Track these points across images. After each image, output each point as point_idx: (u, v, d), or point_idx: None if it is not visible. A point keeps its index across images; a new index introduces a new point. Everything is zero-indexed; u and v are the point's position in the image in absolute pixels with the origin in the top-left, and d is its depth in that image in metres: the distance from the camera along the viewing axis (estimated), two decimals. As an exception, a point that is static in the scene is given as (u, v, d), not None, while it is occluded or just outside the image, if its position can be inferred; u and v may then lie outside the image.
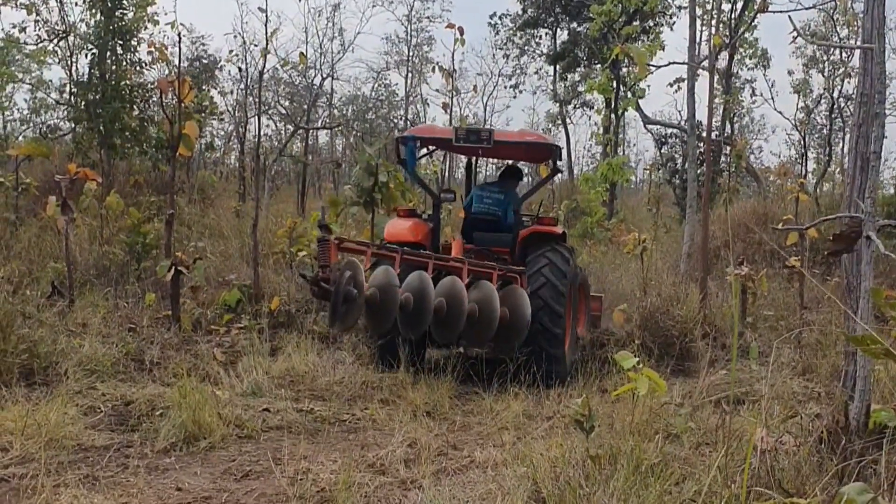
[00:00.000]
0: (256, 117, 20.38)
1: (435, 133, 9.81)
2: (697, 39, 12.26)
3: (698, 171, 13.37)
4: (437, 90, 36.22)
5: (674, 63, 18.99)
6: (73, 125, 18.76)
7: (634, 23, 21.65)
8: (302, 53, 18.15)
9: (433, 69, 26.56)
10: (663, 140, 26.54)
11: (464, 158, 11.67)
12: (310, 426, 6.47)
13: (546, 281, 8.37)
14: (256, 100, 21.35)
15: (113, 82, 16.43)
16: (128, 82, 16.80)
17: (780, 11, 19.17)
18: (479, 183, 10.81)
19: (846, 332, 4.79)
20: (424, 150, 10.79)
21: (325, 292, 6.86)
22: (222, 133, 30.32)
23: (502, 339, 7.90)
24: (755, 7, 16.45)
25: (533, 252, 8.70)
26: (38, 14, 18.74)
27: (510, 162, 12.07)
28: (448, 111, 21.47)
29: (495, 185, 10.06)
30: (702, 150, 13.75)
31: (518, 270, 8.30)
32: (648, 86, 37.94)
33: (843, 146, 24.62)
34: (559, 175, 15.77)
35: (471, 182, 10.86)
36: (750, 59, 27.58)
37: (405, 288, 7.33)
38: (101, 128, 16.05)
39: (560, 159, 9.85)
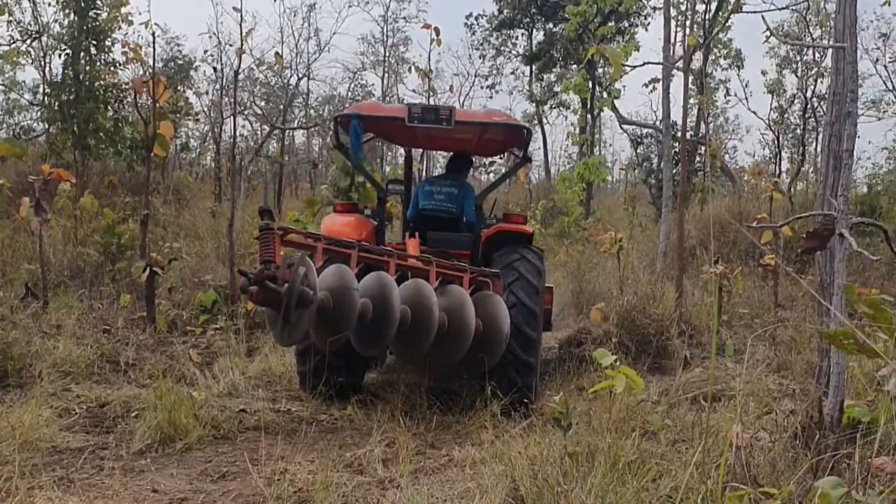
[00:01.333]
0: (232, 118, 20.29)
1: (382, 111, 8.00)
2: (672, 40, 12.32)
3: (673, 171, 13.45)
4: (413, 90, 36.27)
5: (649, 63, 18.98)
6: (46, 126, 18.62)
7: (609, 23, 21.75)
8: (277, 53, 18.06)
9: (409, 69, 26.59)
10: (639, 140, 26.67)
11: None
12: (287, 427, 6.45)
13: (516, 301, 7.18)
14: (232, 100, 21.26)
15: (87, 83, 16.32)
16: (102, 83, 16.70)
17: (754, 12, 19.38)
18: (429, 177, 9.14)
19: (820, 328, 4.84)
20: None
21: (271, 295, 5.42)
22: (198, 134, 30.20)
23: (474, 357, 6.56)
24: (729, 8, 16.58)
25: (499, 256, 7.54)
26: (10, 14, 18.58)
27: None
28: (424, 111, 21.41)
29: (445, 178, 8.60)
30: (677, 149, 13.83)
31: (492, 273, 7.06)
32: (624, 86, 38.19)
33: (816, 146, 24.81)
34: (531, 170, 15.09)
35: (411, 179, 9.54)
36: (724, 59, 27.75)
37: (363, 292, 5.98)
38: (76, 128, 15.94)
39: (529, 147, 8.37)
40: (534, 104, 35.50)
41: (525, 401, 6.95)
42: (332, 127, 8.72)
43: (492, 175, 32.96)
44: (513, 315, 6.92)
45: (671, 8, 13.03)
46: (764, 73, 28.79)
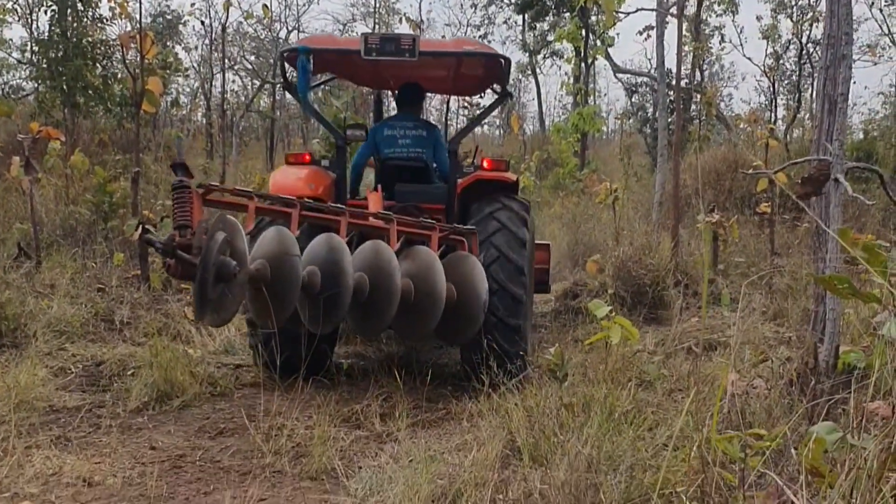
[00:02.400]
0: (222, 73, 20.13)
1: (336, 44, 7.06)
2: (666, -14, 12.16)
3: (669, 120, 13.36)
4: (405, 42, 35.78)
5: (642, 10, 18.74)
6: (35, 84, 18.46)
7: (603, -30, 21.44)
8: (265, 6, 17.93)
9: (400, 20, 26.32)
10: (634, 89, 26.48)
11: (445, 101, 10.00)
12: (283, 383, 6.46)
13: (499, 255, 6.32)
14: (221, 55, 21.07)
15: (74, 39, 16.13)
16: (89, 39, 16.51)
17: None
18: (384, 119, 7.96)
19: (815, 273, 4.82)
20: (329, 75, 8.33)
21: (186, 266, 4.52)
22: (188, 90, 29.94)
23: (448, 328, 5.79)
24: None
25: (477, 207, 6.66)
26: (-6, -29, 18.32)
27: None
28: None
29: (407, 118, 7.42)
30: (672, 98, 13.73)
31: (466, 230, 6.18)
32: (618, 34, 37.90)
33: (812, 92, 24.67)
34: (525, 121, 14.64)
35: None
36: (718, 5, 27.43)
37: (308, 258, 5.21)
38: (64, 86, 15.80)
39: (509, 80, 7.23)
40: (527, 54, 35.17)
41: (518, 364, 6.22)
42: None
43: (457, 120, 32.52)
44: (494, 271, 6.18)
45: (665, -47, 12.82)
46: (759, 18, 28.59)
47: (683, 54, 12.74)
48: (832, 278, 3.08)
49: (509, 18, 37.82)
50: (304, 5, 29.61)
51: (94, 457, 4.84)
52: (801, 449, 3.02)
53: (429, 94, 9.89)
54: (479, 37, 38.45)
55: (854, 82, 5.04)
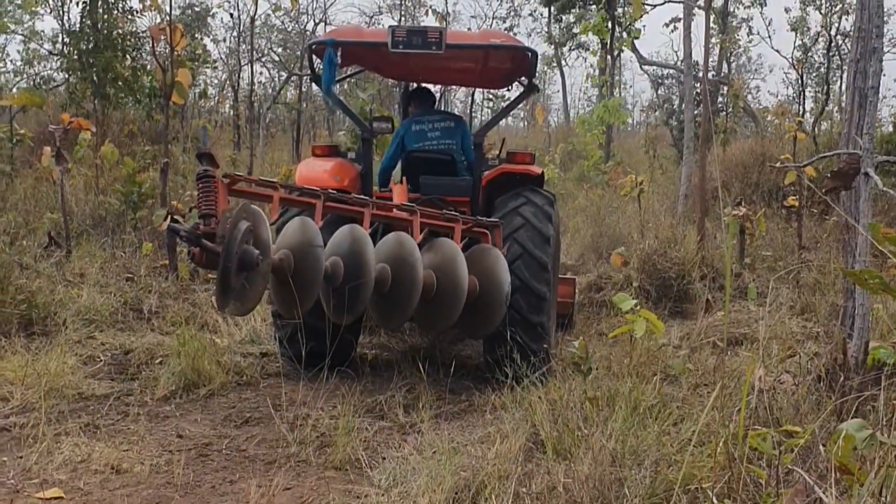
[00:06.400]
0: (249, 65, 20.19)
1: (363, 36, 6.94)
2: (694, -23, 12.07)
3: (695, 112, 13.27)
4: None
5: (669, 1, 18.72)
6: (66, 75, 18.60)
7: (630, -39, 21.32)
8: (293, -2, 17.88)
9: (427, 13, 26.29)
10: (660, 81, 26.33)
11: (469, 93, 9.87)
12: (308, 373, 6.49)
13: (522, 251, 6.29)
14: (249, 47, 21.15)
15: (105, 31, 16.22)
16: (120, 31, 16.59)
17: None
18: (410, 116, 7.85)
19: (844, 268, 4.78)
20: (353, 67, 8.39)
21: (210, 255, 4.59)
22: (216, 81, 30.05)
23: (470, 321, 5.84)
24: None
25: (502, 202, 6.61)
26: (27, -37, 18.48)
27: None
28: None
29: (433, 113, 7.57)
30: (698, 90, 13.64)
31: (490, 223, 6.16)
32: (644, 26, 37.56)
33: (840, 84, 24.36)
34: (550, 113, 14.53)
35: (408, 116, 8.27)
36: (747, -3, 27.24)
37: (332, 249, 5.30)
38: (95, 77, 15.90)
39: (536, 74, 7.23)
40: (553, 46, 35.05)
41: (541, 357, 6.12)
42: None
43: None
44: (517, 269, 6.15)
45: (693, -55, 12.74)
46: (787, 10, 28.33)
47: (710, 46, 12.66)
48: (862, 273, 3.06)
49: (535, 10, 37.74)
50: (332, -3, 29.57)
51: (122, 444, 4.89)
52: (830, 446, 3.00)
53: (454, 87, 9.83)
54: (505, 29, 38.32)
55: (884, 75, 5.00)
